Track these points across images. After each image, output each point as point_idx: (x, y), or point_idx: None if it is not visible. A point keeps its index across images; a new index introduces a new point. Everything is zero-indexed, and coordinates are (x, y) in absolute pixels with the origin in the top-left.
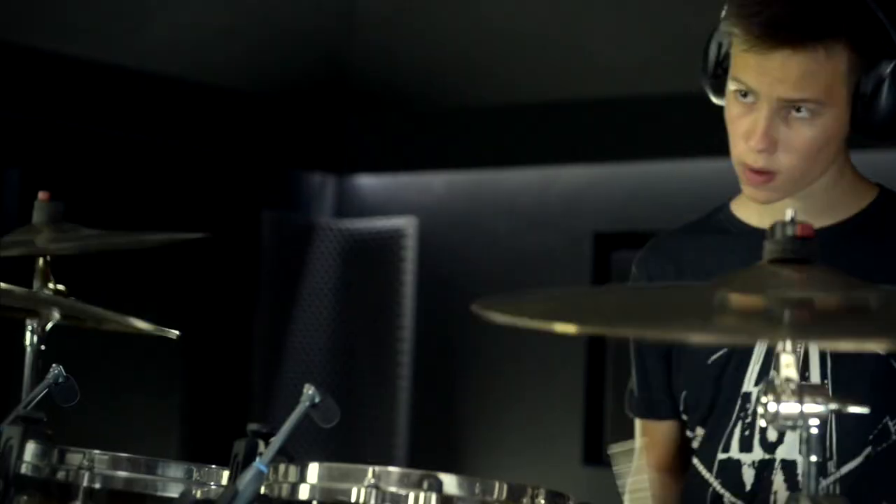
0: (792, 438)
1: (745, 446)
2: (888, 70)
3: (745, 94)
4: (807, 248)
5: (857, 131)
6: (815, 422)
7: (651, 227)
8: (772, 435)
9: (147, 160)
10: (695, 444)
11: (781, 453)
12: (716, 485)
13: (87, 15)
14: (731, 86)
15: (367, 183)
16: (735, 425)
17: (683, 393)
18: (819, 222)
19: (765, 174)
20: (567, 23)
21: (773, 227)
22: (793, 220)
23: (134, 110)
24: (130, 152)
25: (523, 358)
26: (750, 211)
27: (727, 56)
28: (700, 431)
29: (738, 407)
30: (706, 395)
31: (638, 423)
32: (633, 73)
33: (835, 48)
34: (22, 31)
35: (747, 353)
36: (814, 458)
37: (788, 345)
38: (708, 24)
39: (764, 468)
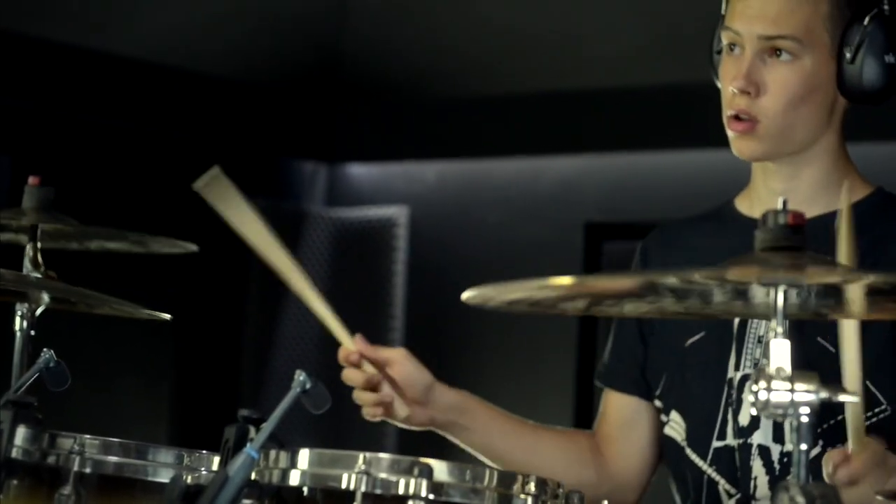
0: (766, 423)
1: (741, 433)
2: (869, 24)
3: (733, 48)
4: (798, 237)
5: (846, 94)
6: (805, 410)
7: (643, 217)
8: (744, 419)
9: (138, 148)
10: (668, 431)
11: (757, 438)
12: (710, 472)
13: (79, 2)
14: (724, 40)
15: (359, 172)
16: (727, 412)
17: (664, 376)
18: (811, 212)
19: (747, 121)
20: (559, 13)
21: (764, 216)
22: (784, 209)
23: (125, 98)
24: (122, 140)
25: (514, 346)
26: (750, 204)
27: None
28: (675, 416)
29: (724, 394)
30: (686, 380)
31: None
32: (625, 63)
33: None
34: (13, 17)
35: (726, 337)
36: (804, 447)
37: (781, 331)
38: (699, 14)
39: (742, 453)
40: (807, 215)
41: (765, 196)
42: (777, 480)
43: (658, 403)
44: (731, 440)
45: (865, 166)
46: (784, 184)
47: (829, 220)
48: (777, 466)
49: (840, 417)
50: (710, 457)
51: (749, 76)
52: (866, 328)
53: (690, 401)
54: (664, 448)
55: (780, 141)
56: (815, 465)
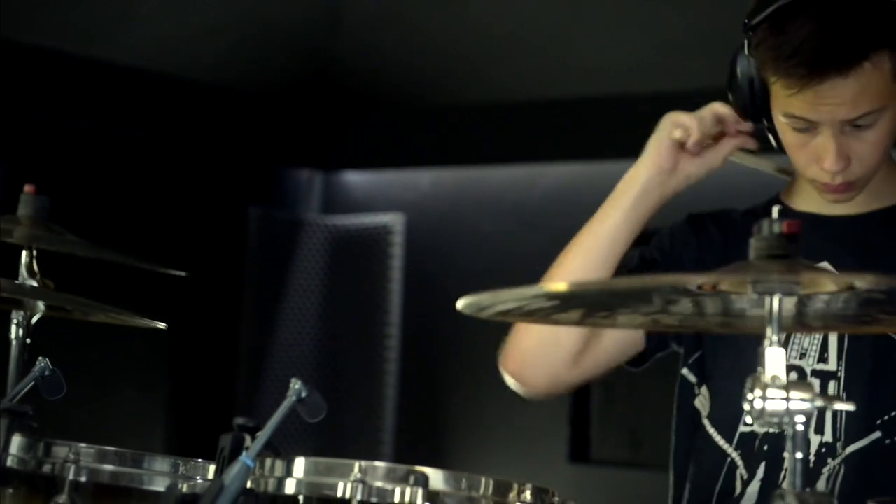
0: None
1: None
2: None
3: (802, 128)
4: (793, 245)
5: None
6: (800, 419)
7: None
8: None
9: (134, 157)
10: (696, 403)
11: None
12: (734, 456)
13: (75, 11)
14: (783, 119)
15: (354, 179)
16: None
17: (699, 351)
18: (863, 207)
19: (844, 185)
20: (554, 21)
21: (759, 225)
22: (780, 217)
23: (121, 107)
24: (117, 149)
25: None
26: (803, 200)
27: (763, 89)
28: (704, 391)
29: None
30: (720, 360)
31: None
32: (620, 71)
33: (879, 56)
34: (8, 26)
35: None
36: (799, 456)
37: (776, 339)
38: (696, 23)
39: (775, 441)
40: (862, 210)
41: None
42: (810, 472)
43: (685, 371)
44: (759, 427)
45: None
46: None
47: (878, 216)
48: (812, 458)
49: None
50: (735, 441)
51: (840, 156)
52: None
53: (721, 381)
54: (684, 417)
55: (871, 179)
56: (871, 451)
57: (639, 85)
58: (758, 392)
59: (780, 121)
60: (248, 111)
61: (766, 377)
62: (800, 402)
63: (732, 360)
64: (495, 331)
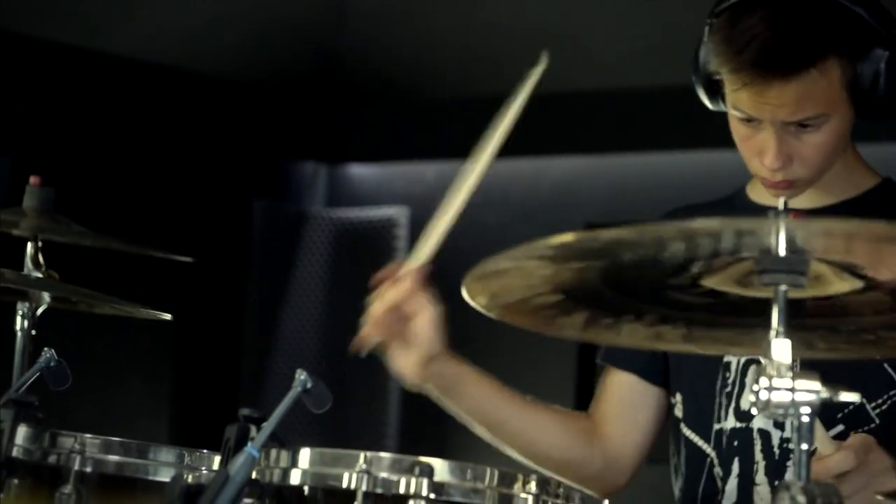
0: None
1: (742, 417)
2: (881, 58)
3: (747, 119)
4: None
5: (863, 117)
6: (806, 410)
7: (643, 218)
8: (745, 403)
9: (139, 149)
10: (676, 412)
11: (758, 423)
12: (713, 455)
13: (80, 3)
14: (732, 110)
15: (359, 172)
16: (722, 396)
17: (670, 359)
18: (820, 201)
19: (785, 183)
20: (559, 14)
21: (766, 216)
22: (785, 209)
23: (126, 99)
24: (122, 141)
25: (514, 347)
26: (761, 192)
27: (718, 79)
28: (678, 397)
29: (720, 377)
30: (686, 360)
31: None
32: (625, 64)
33: (827, 63)
34: (13, 18)
35: None
36: (805, 447)
37: (781, 330)
38: (700, 16)
39: (743, 437)
40: (818, 204)
41: None
42: (776, 466)
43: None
44: (726, 423)
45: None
46: None
47: (833, 210)
48: (777, 451)
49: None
50: (712, 440)
51: (780, 154)
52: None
53: (687, 382)
54: (671, 428)
55: (817, 179)
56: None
57: (645, 78)
58: (763, 383)
59: (730, 111)
60: (253, 104)
61: (772, 368)
62: (805, 392)
63: (699, 359)
64: (499, 322)
